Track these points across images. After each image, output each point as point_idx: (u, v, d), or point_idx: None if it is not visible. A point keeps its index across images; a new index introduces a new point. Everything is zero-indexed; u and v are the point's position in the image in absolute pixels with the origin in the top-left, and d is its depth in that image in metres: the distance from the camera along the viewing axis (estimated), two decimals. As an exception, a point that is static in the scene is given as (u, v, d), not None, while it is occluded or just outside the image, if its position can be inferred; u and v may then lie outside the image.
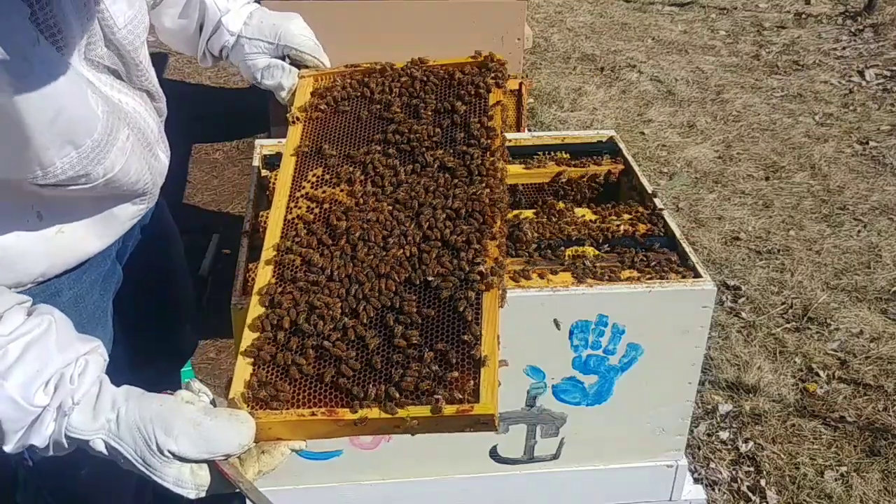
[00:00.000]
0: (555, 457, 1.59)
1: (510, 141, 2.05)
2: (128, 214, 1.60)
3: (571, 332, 1.47)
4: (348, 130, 1.64)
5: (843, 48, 6.24)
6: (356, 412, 1.23)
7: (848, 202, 4.42)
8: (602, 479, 1.62)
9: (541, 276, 1.54)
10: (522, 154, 2.02)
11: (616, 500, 1.65)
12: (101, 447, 1.21)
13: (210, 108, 5.24)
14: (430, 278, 1.35)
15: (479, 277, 1.34)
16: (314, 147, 1.61)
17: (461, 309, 1.31)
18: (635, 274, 1.54)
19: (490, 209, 1.43)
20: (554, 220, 1.76)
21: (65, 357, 1.21)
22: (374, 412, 1.23)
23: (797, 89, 5.63)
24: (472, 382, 1.24)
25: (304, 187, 1.55)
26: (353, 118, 1.65)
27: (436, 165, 1.53)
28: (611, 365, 1.51)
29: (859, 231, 4.17)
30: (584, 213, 1.79)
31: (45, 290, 1.55)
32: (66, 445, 1.22)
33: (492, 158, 1.52)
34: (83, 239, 1.54)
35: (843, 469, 2.86)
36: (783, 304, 3.66)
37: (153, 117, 1.59)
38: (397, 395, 1.24)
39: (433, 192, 1.49)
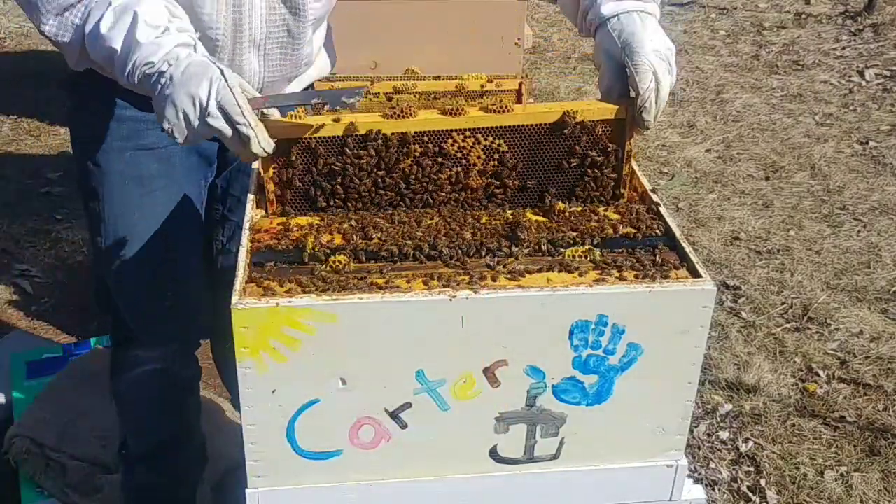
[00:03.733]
0: (555, 457, 1.58)
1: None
2: None
3: (571, 332, 1.47)
4: None
5: (843, 48, 6.24)
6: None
7: (848, 202, 4.42)
8: (602, 479, 1.62)
9: (536, 274, 1.54)
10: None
11: (616, 500, 1.65)
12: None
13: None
14: None
15: None
16: None
17: None
18: (635, 274, 1.54)
19: None
20: (554, 220, 1.76)
21: None
22: None
23: (797, 89, 5.64)
24: None
25: None
26: None
27: None
28: (611, 365, 1.51)
29: (859, 231, 4.17)
30: (584, 212, 1.79)
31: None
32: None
33: None
34: None
35: (843, 469, 2.86)
36: (783, 304, 3.66)
37: None
38: None
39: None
